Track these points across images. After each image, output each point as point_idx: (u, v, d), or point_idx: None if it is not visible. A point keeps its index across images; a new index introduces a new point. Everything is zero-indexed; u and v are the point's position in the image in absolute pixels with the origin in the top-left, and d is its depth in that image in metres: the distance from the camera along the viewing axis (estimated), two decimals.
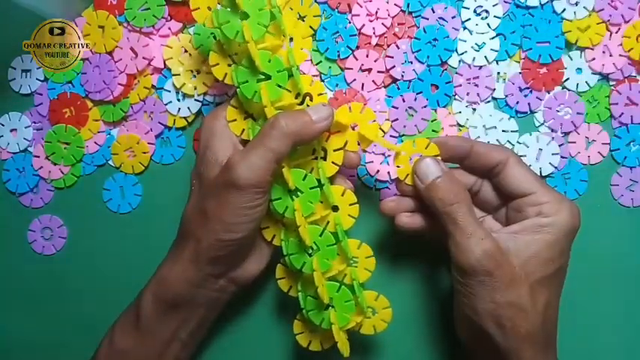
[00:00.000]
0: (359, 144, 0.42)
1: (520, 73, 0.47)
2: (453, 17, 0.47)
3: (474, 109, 0.48)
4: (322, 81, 0.49)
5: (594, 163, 0.47)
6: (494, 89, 0.47)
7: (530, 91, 0.47)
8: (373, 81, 0.48)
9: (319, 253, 0.41)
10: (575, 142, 0.47)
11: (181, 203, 0.42)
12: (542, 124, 0.47)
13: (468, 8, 0.47)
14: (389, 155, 0.47)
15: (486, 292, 0.36)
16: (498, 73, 0.47)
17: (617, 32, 0.46)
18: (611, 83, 0.47)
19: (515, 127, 0.47)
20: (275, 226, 0.43)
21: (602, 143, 0.47)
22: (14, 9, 0.47)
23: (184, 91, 0.49)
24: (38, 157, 0.51)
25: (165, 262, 0.42)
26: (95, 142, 0.51)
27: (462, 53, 0.47)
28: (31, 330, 0.52)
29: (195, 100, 0.49)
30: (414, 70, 0.47)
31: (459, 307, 0.39)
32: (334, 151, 0.41)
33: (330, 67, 0.48)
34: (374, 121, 0.41)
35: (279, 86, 0.40)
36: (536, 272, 0.37)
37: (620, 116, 0.47)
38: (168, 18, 0.49)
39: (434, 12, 0.47)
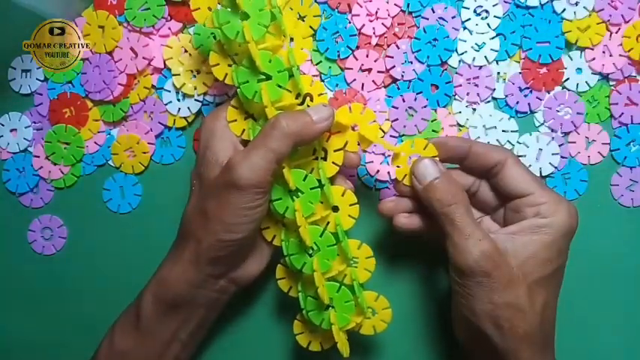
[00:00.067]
0: (359, 144, 0.42)
1: (520, 73, 0.47)
2: (453, 17, 0.47)
3: (474, 109, 0.48)
4: (322, 81, 0.49)
5: (594, 163, 0.47)
6: (494, 89, 0.47)
7: (530, 91, 0.47)
8: (373, 81, 0.48)
9: (319, 253, 0.41)
10: (575, 142, 0.47)
11: (181, 203, 0.42)
12: (542, 124, 0.47)
13: (468, 8, 0.47)
14: (389, 155, 0.47)
15: (484, 292, 0.37)
16: (498, 73, 0.47)
17: (617, 32, 0.46)
18: (611, 83, 0.47)
19: (515, 127, 0.47)
20: (275, 226, 0.43)
21: (602, 143, 0.47)
22: (14, 9, 0.47)
23: (184, 91, 0.49)
24: (38, 157, 0.51)
25: (166, 262, 0.42)
26: (95, 142, 0.51)
27: (462, 53, 0.47)
28: (31, 330, 0.52)
29: (195, 100, 0.49)
30: (414, 70, 0.47)
31: (456, 308, 0.39)
32: (334, 151, 0.41)
33: (330, 67, 0.48)
34: (374, 121, 0.41)
35: (280, 86, 0.40)
36: (533, 273, 0.37)
37: (620, 116, 0.47)
38: (168, 18, 0.49)
39: (434, 12, 0.47)
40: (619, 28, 0.46)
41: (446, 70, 0.47)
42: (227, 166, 0.38)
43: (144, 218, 0.51)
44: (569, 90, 0.47)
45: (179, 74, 0.49)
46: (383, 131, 0.48)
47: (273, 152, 0.37)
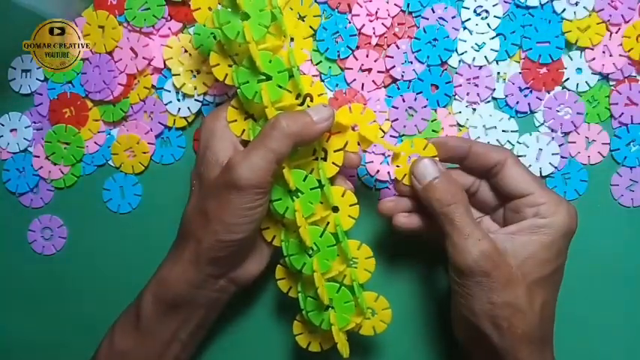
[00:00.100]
0: (359, 145, 0.42)
1: (520, 73, 0.47)
2: (453, 17, 0.47)
3: (474, 109, 0.48)
4: (322, 81, 0.49)
5: (594, 163, 0.47)
6: (494, 89, 0.47)
7: (530, 91, 0.47)
8: (373, 81, 0.48)
9: (319, 253, 0.41)
10: (575, 142, 0.47)
11: (181, 203, 0.42)
12: (542, 124, 0.47)
13: (468, 8, 0.47)
14: (389, 155, 0.47)
15: (483, 292, 0.37)
16: (498, 73, 0.47)
17: (617, 32, 0.46)
18: (611, 83, 0.47)
19: (515, 127, 0.47)
20: (275, 226, 0.43)
21: (602, 143, 0.47)
22: (14, 9, 0.47)
23: (184, 91, 0.49)
24: (38, 157, 0.51)
25: (166, 262, 0.42)
26: (95, 142, 0.51)
27: (462, 53, 0.47)
28: (31, 330, 0.52)
29: (195, 100, 0.49)
30: (414, 70, 0.47)
31: (456, 308, 0.39)
32: (334, 151, 0.41)
33: (330, 67, 0.48)
34: (374, 121, 0.41)
35: (280, 87, 0.40)
36: (532, 273, 0.37)
37: (620, 116, 0.47)
38: (168, 18, 0.49)
39: (434, 12, 0.47)
40: (619, 28, 0.46)
41: (446, 70, 0.47)
42: (227, 167, 0.38)
43: (144, 218, 0.51)
44: (569, 90, 0.47)
45: (179, 74, 0.49)
46: (383, 131, 0.48)
47: (273, 152, 0.37)
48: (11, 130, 0.52)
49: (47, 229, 0.52)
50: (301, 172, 0.40)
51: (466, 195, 0.40)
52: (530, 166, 0.47)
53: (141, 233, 0.51)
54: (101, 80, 0.49)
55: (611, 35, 0.46)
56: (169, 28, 0.49)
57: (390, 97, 0.48)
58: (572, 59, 0.47)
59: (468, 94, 0.47)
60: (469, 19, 0.47)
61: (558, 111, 0.47)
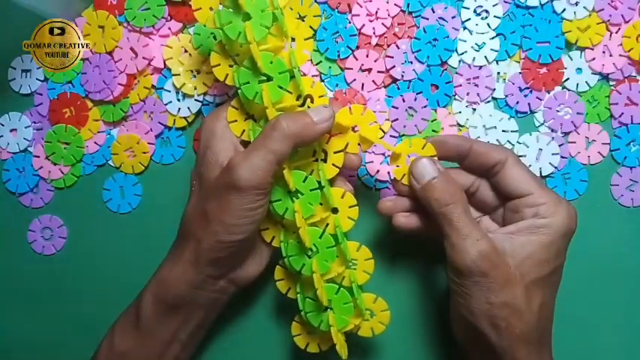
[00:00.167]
0: (359, 146, 0.42)
1: (520, 73, 0.47)
2: (453, 17, 0.47)
3: (474, 109, 0.48)
4: (322, 81, 0.49)
5: (594, 163, 0.47)
6: (494, 89, 0.47)
7: (530, 91, 0.47)
8: (373, 81, 0.48)
9: (318, 255, 0.41)
10: (575, 142, 0.47)
11: (181, 203, 0.42)
12: (542, 124, 0.47)
13: (468, 8, 0.47)
14: (389, 155, 0.47)
15: (482, 292, 0.37)
16: (498, 73, 0.47)
17: (617, 32, 0.46)
18: (611, 83, 0.47)
19: (515, 127, 0.47)
20: (275, 227, 0.43)
21: (602, 143, 0.47)
22: (14, 9, 0.47)
23: (184, 91, 0.49)
24: (38, 157, 0.51)
25: (165, 262, 0.42)
26: (95, 142, 0.51)
27: (462, 53, 0.47)
28: (31, 330, 0.52)
29: (195, 100, 0.49)
30: (414, 70, 0.47)
31: (454, 308, 0.39)
32: (335, 153, 0.41)
33: (330, 67, 0.48)
34: (375, 123, 0.41)
35: (281, 88, 0.40)
36: (531, 273, 0.37)
37: (620, 116, 0.47)
38: (168, 18, 0.49)
39: (434, 12, 0.47)
40: (619, 28, 0.46)
41: (446, 70, 0.47)
42: (227, 167, 0.38)
43: (144, 218, 0.51)
44: (569, 90, 0.47)
45: (179, 74, 0.49)
46: (383, 131, 0.48)
47: (273, 153, 0.37)
48: (11, 130, 0.52)
49: (47, 229, 0.52)
50: (301, 173, 0.40)
51: (465, 195, 0.39)
52: (530, 166, 0.47)
53: (141, 233, 0.51)
54: (101, 80, 0.49)
55: (611, 35, 0.46)
56: (169, 28, 0.49)
57: (390, 97, 0.48)
58: (572, 59, 0.47)
59: (468, 94, 0.47)
60: (469, 19, 0.47)
61: (558, 111, 0.47)
